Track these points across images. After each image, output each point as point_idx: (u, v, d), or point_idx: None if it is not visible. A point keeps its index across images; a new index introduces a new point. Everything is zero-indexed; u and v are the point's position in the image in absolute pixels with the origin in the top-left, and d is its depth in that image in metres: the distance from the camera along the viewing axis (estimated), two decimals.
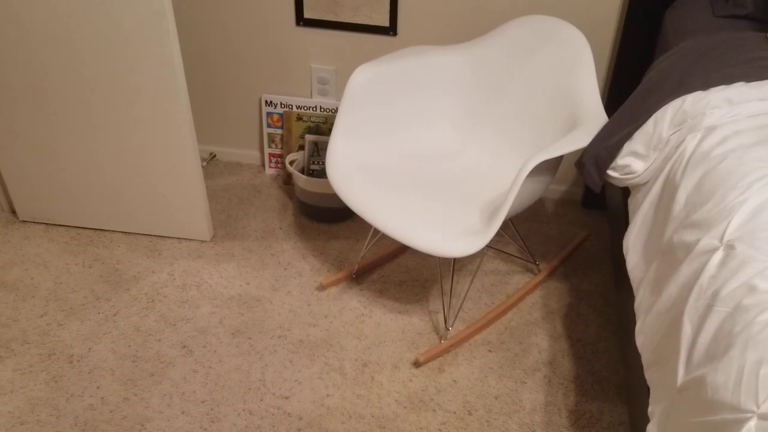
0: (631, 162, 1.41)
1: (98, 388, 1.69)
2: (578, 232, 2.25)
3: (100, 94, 1.91)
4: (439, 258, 2.10)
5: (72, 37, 1.82)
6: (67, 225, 2.21)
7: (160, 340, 1.82)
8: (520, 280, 2.05)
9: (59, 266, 2.06)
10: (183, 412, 1.63)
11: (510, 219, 2.24)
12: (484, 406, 1.67)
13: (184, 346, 1.81)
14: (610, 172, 1.46)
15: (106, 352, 1.78)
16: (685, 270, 1.13)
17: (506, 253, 2.15)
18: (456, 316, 1.92)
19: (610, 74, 2.11)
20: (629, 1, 1.94)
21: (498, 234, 2.19)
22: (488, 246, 2.13)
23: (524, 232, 2.24)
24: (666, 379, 1.11)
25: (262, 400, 1.67)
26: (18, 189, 2.16)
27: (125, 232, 2.19)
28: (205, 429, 1.60)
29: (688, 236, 1.15)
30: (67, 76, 1.89)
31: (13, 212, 2.26)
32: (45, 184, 2.13)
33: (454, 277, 2.05)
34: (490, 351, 1.82)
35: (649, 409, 1.15)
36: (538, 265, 2.07)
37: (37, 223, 2.23)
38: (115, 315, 1.90)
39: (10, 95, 1.96)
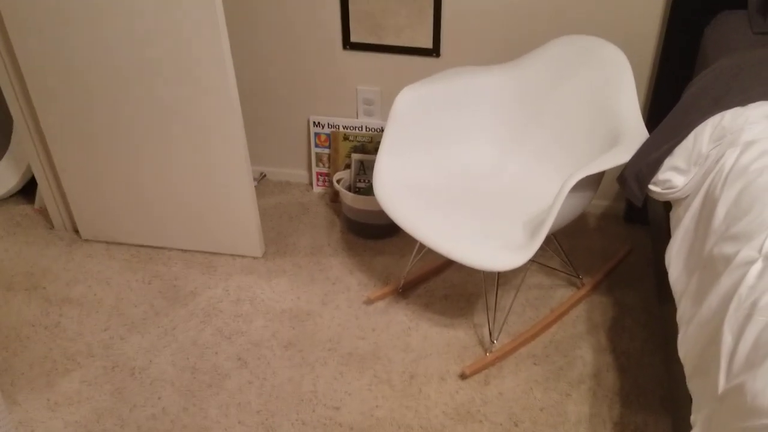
0: (672, 177, 1.44)
1: (159, 398, 1.78)
2: (621, 246, 2.27)
3: (159, 119, 2.03)
4: (483, 272, 2.14)
5: (127, 64, 1.94)
6: (126, 243, 2.33)
7: (216, 353, 1.91)
8: (563, 294, 2.08)
9: (120, 283, 2.17)
10: (239, 422, 1.71)
11: (553, 234, 2.28)
12: (529, 417, 1.71)
13: (239, 359, 1.89)
14: (651, 186, 1.50)
15: (165, 365, 1.88)
16: (725, 281, 1.15)
17: (550, 267, 2.19)
18: (501, 329, 1.96)
19: (651, 92, 2.14)
20: (669, 19, 1.98)
21: (541, 248, 2.23)
22: (532, 260, 2.17)
23: (567, 247, 2.27)
24: (708, 387, 1.14)
25: (314, 410, 1.74)
26: (80, 210, 2.29)
27: (182, 250, 2.30)
28: None
29: (728, 248, 1.18)
30: (125, 101, 2.01)
31: (76, 232, 2.39)
32: (105, 205, 2.25)
33: (499, 291, 2.09)
34: (535, 364, 1.86)
35: (692, 418, 1.17)
36: (581, 279, 2.10)
37: (99, 241, 2.35)
38: (173, 329, 1.99)
39: (72, 122, 2.09)
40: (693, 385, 1.22)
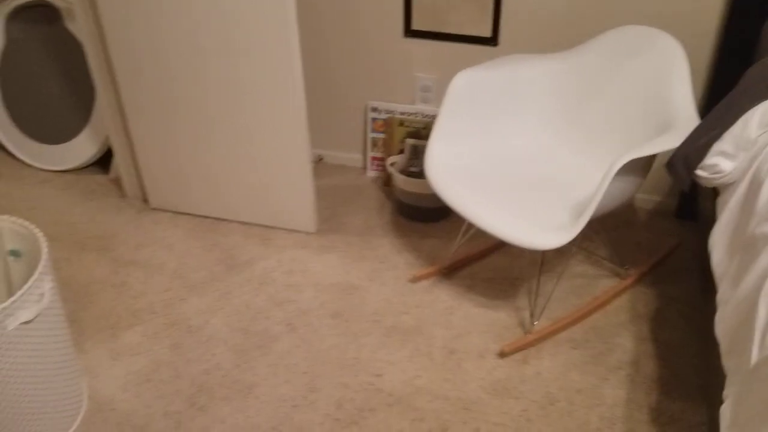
0: (720, 161, 1.46)
1: (213, 355, 1.89)
2: (670, 241, 2.27)
3: (229, 98, 2.14)
4: (527, 257, 2.18)
5: (206, 44, 2.06)
6: (191, 213, 2.47)
7: (267, 318, 2.01)
8: (608, 284, 2.10)
9: (183, 249, 2.30)
10: (286, 381, 1.80)
11: (601, 224, 2.30)
12: (566, 397, 1.74)
13: (289, 324, 1.98)
14: (698, 171, 1.51)
15: (220, 325, 1.99)
16: (764, 259, 1.18)
17: (596, 255, 2.21)
18: (542, 312, 2.00)
19: (709, 84, 2.14)
20: (729, 15, 1.98)
21: (588, 239, 2.26)
22: (577, 247, 2.21)
23: (615, 239, 2.28)
24: (741, 363, 1.16)
25: (356, 375, 1.82)
26: (150, 181, 2.44)
27: (241, 222, 2.42)
28: (305, 397, 1.76)
29: None
30: (200, 78, 2.14)
31: (146, 201, 2.54)
32: (174, 176, 2.39)
33: (543, 277, 2.13)
34: (574, 348, 1.89)
35: (724, 393, 1.20)
36: (627, 270, 2.11)
37: (166, 210, 2.50)
38: (229, 293, 2.10)
39: (150, 96, 2.23)
40: (727, 361, 1.24)
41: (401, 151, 2.53)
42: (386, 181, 2.61)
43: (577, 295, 2.07)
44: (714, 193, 1.67)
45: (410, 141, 2.44)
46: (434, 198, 2.29)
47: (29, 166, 2.80)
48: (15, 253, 1.68)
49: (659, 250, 2.22)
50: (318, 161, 2.77)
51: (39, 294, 1.48)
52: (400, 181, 2.33)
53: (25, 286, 1.43)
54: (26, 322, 1.45)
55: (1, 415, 1.50)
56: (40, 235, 1.57)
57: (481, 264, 2.21)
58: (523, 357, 1.86)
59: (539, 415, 1.70)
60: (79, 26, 2.27)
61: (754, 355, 1.10)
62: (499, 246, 2.27)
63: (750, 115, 1.42)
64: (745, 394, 1.11)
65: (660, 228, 2.34)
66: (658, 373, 1.80)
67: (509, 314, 2.00)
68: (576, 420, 1.68)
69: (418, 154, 2.43)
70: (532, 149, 2.04)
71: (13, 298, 1.40)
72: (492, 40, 2.28)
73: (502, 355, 1.87)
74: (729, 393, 1.18)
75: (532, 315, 1.97)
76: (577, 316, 1.95)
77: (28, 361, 1.50)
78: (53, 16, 2.57)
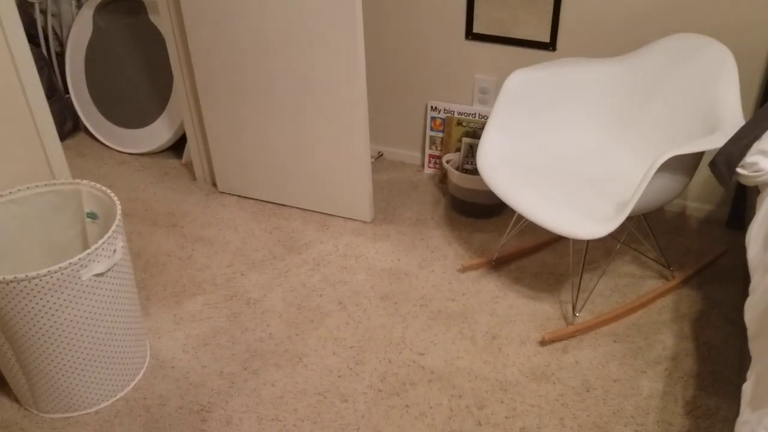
0: (759, 160, 1.50)
1: (268, 326, 2.02)
2: (719, 248, 2.28)
3: (297, 90, 2.29)
4: (573, 253, 2.24)
5: (277, 37, 2.22)
6: (255, 198, 2.62)
7: (321, 296, 2.13)
8: (653, 284, 2.14)
9: (246, 230, 2.45)
10: (334, 353, 1.92)
11: (652, 228, 2.34)
12: (602, 386, 1.79)
13: (340, 303, 2.10)
14: (739, 170, 1.56)
15: (276, 300, 2.12)
16: None
17: (645, 256, 2.24)
18: (584, 305, 2.05)
19: (762, 94, 2.15)
20: None
21: (637, 241, 2.30)
22: (626, 246, 2.25)
23: (665, 244, 2.31)
24: (765, 345, 1.21)
25: (401, 353, 1.91)
26: (220, 167, 2.61)
27: (301, 209, 2.56)
28: (350, 368, 1.86)
29: None
30: (271, 70, 2.29)
31: (214, 185, 2.72)
32: (241, 163, 2.55)
33: (588, 274, 2.18)
34: (615, 341, 1.93)
35: (747, 373, 1.24)
36: (672, 271, 2.14)
37: (232, 195, 2.66)
38: (287, 272, 2.24)
39: (223, 85, 2.39)
40: (753, 345, 1.28)
41: (458, 150, 2.62)
42: (442, 179, 2.71)
43: (622, 293, 2.11)
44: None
45: (467, 140, 2.54)
46: (487, 195, 2.39)
47: (109, 148, 3.02)
48: (92, 215, 1.84)
49: (707, 256, 2.24)
50: (378, 157, 2.89)
51: (111, 250, 1.63)
52: (455, 176, 2.43)
53: (100, 241, 1.58)
54: (99, 275, 1.61)
55: (76, 358, 1.66)
56: (115, 199, 1.73)
57: (529, 259, 2.28)
58: (564, 346, 1.92)
59: (575, 400, 1.76)
60: (161, 19, 2.47)
61: None
62: (548, 243, 2.33)
63: None
64: (765, 371, 1.16)
65: (710, 236, 2.36)
66: (697, 370, 1.83)
67: (553, 306, 2.06)
68: (611, 407, 1.73)
69: (473, 153, 2.52)
70: (582, 147, 2.10)
71: (88, 250, 1.56)
72: (550, 45, 2.36)
73: (543, 343, 1.93)
74: (751, 373, 1.22)
75: (574, 307, 2.02)
76: (620, 312, 2.00)
77: (100, 312, 1.66)
78: (138, 9, 2.79)
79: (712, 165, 1.63)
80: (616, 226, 1.67)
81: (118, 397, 1.80)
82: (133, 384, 1.83)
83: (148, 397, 1.80)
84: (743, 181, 1.58)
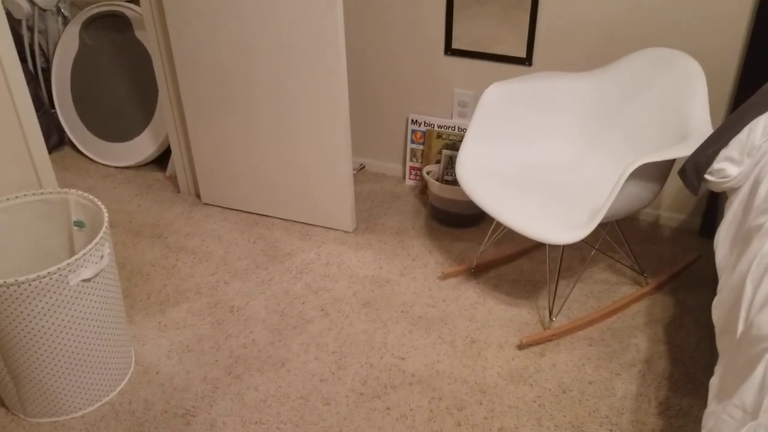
0: (726, 167, 1.57)
1: (251, 332, 2.05)
2: (691, 256, 2.35)
3: (280, 104, 2.34)
4: (549, 260, 2.30)
5: (261, 51, 2.27)
6: (238, 209, 2.66)
7: (303, 303, 2.16)
8: (627, 290, 2.20)
9: (229, 240, 2.49)
10: (316, 358, 1.95)
11: (625, 236, 2.40)
12: (578, 388, 1.84)
13: (323, 309, 2.13)
14: (707, 176, 1.63)
15: (259, 307, 2.15)
16: (755, 246, 1.29)
17: (619, 263, 2.31)
18: (560, 310, 2.10)
19: (731, 104, 2.24)
20: (750, 40, 2.09)
21: (612, 249, 2.36)
22: (601, 254, 2.31)
23: (639, 251, 2.38)
24: (730, 340, 1.27)
25: (382, 357, 1.95)
26: (203, 178, 2.64)
27: (284, 219, 2.60)
28: (333, 373, 1.90)
29: (763, 219, 1.31)
30: (254, 84, 2.34)
31: (198, 196, 2.75)
32: (225, 175, 2.59)
33: (565, 282, 2.24)
34: (590, 345, 1.99)
35: (715, 368, 1.30)
36: (646, 278, 2.21)
37: (216, 206, 2.69)
38: (270, 280, 2.27)
39: (208, 98, 2.44)
40: (720, 342, 1.34)
41: (438, 162, 2.68)
42: (422, 190, 2.76)
43: (597, 299, 2.17)
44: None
45: (447, 152, 2.60)
46: (466, 205, 2.44)
47: (94, 161, 3.04)
48: (79, 224, 1.87)
49: (680, 263, 2.31)
50: (360, 169, 2.94)
51: (99, 256, 1.66)
52: (435, 187, 2.49)
53: (88, 247, 1.62)
54: (86, 280, 1.64)
55: (63, 362, 1.68)
56: (102, 207, 1.76)
57: (507, 267, 2.33)
58: (541, 350, 1.97)
59: (551, 401, 1.80)
60: (146, 35, 2.51)
61: (739, 329, 1.20)
62: (525, 251, 2.39)
63: (755, 124, 1.53)
64: (729, 366, 1.21)
65: (683, 244, 2.43)
66: (669, 372, 1.89)
67: (530, 312, 2.12)
68: (586, 408, 1.78)
69: (453, 164, 2.58)
70: (558, 157, 2.17)
71: (76, 256, 1.59)
72: (527, 60, 2.43)
73: (521, 347, 1.98)
74: (717, 368, 1.28)
75: (550, 312, 2.08)
76: (595, 317, 2.05)
77: (87, 317, 1.68)
78: (124, 25, 2.83)
79: (682, 172, 1.70)
80: (589, 231, 1.73)
81: (104, 401, 1.81)
82: (118, 389, 1.85)
83: (133, 402, 1.82)
84: (711, 188, 1.65)
